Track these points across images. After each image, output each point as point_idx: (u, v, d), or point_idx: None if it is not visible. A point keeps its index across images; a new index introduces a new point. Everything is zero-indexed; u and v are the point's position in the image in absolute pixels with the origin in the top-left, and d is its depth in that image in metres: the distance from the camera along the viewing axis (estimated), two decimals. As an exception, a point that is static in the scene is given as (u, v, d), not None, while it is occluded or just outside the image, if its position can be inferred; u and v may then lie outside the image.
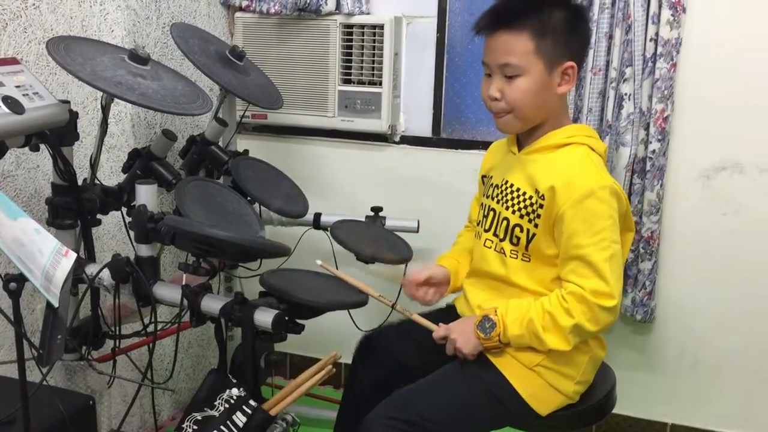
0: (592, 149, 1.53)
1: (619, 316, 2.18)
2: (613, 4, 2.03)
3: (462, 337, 1.53)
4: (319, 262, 1.71)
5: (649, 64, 2.03)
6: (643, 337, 2.30)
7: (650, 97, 2.05)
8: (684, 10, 2.01)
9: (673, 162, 2.13)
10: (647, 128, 2.07)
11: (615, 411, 1.73)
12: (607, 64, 2.08)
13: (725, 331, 2.21)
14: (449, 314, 1.71)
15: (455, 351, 1.54)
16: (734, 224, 2.13)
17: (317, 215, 2.16)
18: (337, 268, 2.06)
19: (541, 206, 1.49)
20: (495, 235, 1.59)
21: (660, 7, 1.99)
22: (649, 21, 2.01)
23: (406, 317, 1.63)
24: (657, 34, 2.01)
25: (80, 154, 1.88)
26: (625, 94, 2.06)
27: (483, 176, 1.75)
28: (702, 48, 2.06)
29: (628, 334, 2.30)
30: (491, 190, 1.64)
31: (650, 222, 2.12)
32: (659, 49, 2.01)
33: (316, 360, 1.56)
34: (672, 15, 1.99)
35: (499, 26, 1.49)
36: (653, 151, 2.07)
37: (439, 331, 1.57)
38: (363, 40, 2.32)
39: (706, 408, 2.28)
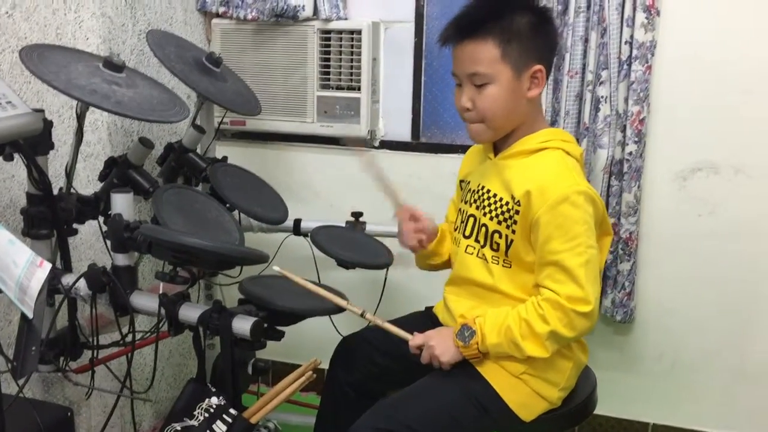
0: (568, 153, 1.53)
1: (599, 317, 2.21)
2: (588, 7, 2.05)
3: (441, 345, 1.52)
4: (276, 268, 1.61)
5: (625, 66, 2.05)
6: (623, 338, 2.32)
7: (626, 100, 2.07)
8: (658, 13, 2.03)
9: (650, 163, 2.15)
10: (624, 130, 2.09)
11: (597, 412, 1.74)
12: (584, 67, 2.09)
13: (703, 331, 2.23)
14: (427, 320, 1.71)
15: (432, 359, 1.53)
16: (710, 224, 2.16)
17: (297, 221, 2.16)
18: (318, 275, 2.08)
19: (517, 212, 1.49)
20: (476, 241, 1.59)
21: (634, 10, 2.01)
22: (624, 24, 2.03)
23: (377, 326, 1.60)
24: (632, 37, 2.03)
25: (56, 163, 1.86)
26: (602, 97, 2.07)
27: (461, 181, 1.75)
28: (676, 50, 2.08)
29: (608, 334, 2.32)
30: (468, 195, 1.64)
31: (628, 223, 2.14)
32: (634, 52, 2.03)
33: (299, 366, 1.55)
34: (646, 18, 2.01)
35: (464, 36, 1.49)
36: (630, 153, 2.09)
37: (415, 339, 1.56)
38: (341, 46, 2.32)
39: (687, 407, 2.30)
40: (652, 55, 2.05)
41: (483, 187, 1.59)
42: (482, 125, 1.53)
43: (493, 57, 1.47)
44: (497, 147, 1.62)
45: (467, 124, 1.56)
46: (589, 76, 2.08)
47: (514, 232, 1.51)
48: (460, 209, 1.68)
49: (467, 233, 1.61)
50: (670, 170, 2.17)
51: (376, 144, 2.44)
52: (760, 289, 2.16)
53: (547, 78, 1.54)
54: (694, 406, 2.30)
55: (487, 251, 1.56)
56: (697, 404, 2.29)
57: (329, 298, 1.60)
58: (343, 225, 2.16)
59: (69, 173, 1.71)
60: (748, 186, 2.11)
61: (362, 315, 1.60)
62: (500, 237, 1.53)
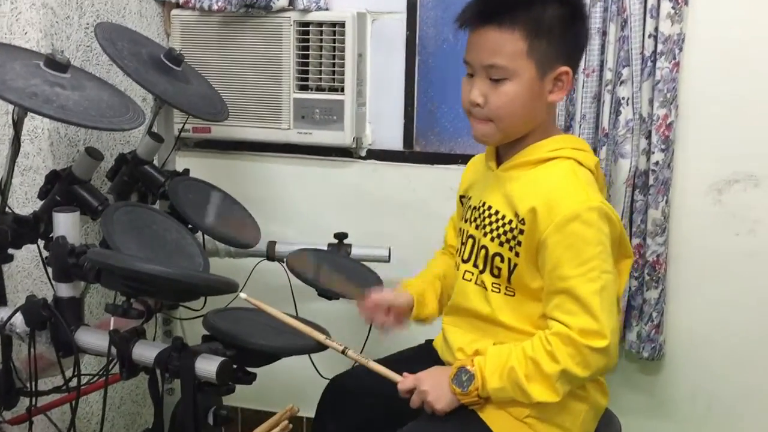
0: (580, 163, 1.53)
1: (623, 353, 2.21)
2: (606, -5, 2.08)
3: (435, 391, 1.51)
4: (243, 295, 1.60)
5: (649, 63, 2.07)
6: (651, 377, 2.32)
7: (651, 101, 2.09)
8: (686, 2, 2.05)
9: (679, 175, 2.16)
10: (649, 137, 2.11)
11: (623, 464, 1.74)
12: (602, 64, 2.11)
13: (744, 367, 2.24)
14: (427, 356, 1.70)
15: (424, 405, 1.52)
16: (750, 244, 2.17)
17: (271, 244, 2.16)
18: (295, 306, 2.07)
19: (521, 232, 1.49)
20: (475, 266, 1.59)
21: (659, -2, 2.04)
22: (648, 15, 2.05)
23: (362, 364, 1.59)
24: (656, 29, 2.05)
25: (-12, 178, 1.85)
26: (623, 98, 2.09)
27: (461, 197, 1.75)
28: (708, 44, 2.10)
29: (633, 373, 2.32)
30: (469, 212, 1.64)
31: (655, 244, 2.15)
32: (659, 47, 2.05)
33: (273, 414, 1.55)
34: (673, 8, 2.03)
35: (488, 21, 1.48)
36: (656, 163, 2.10)
37: (405, 382, 1.54)
38: (321, 40, 2.33)
39: (726, 456, 2.31)
40: (680, 50, 2.07)
41: (484, 203, 1.59)
42: (491, 125, 1.53)
43: (517, 50, 1.47)
44: (500, 156, 1.62)
45: (473, 122, 1.56)
46: (608, 75, 2.10)
47: (517, 255, 1.51)
48: (460, 229, 1.68)
49: (465, 257, 1.62)
50: (702, 182, 2.18)
51: (363, 153, 2.44)
52: (808, 319, 2.17)
53: (572, 82, 1.55)
54: (733, 455, 2.30)
55: (487, 277, 1.56)
56: (738, 453, 2.29)
57: (306, 332, 1.59)
58: (325, 248, 2.15)
59: (3, 190, 1.71)
60: (792, 200, 2.13)
61: (343, 352, 1.59)
62: (502, 261, 1.53)
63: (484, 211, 1.58)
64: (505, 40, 1.47)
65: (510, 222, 1.51)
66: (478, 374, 1.48)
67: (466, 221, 1.65)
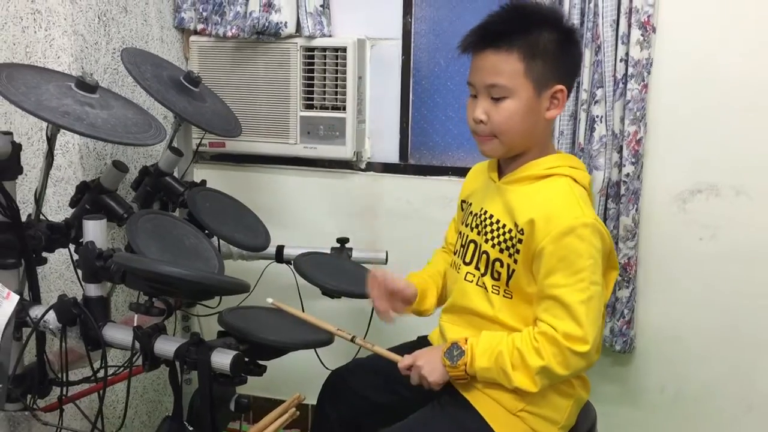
0: (576, 181, 1.53)
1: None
2: (582, 23, 2.08)
3: (428, 364, 1.52)
4: (270, 300, 1.67)
5: (620, 85, 2.08)
6: (623, 369, 2.32)
7: (622, 119, 2.09)
8: (654, 30, 2.06)
9: (648, 185, 2.17)
10: (620, 151, 2.11)
11: (597, 448, 1.74)
12: (578, 85, 2.12)
13: (707, 360, 2.24)
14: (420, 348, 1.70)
15: (420, 380, 1.52)
16: (712, 248, 2.17)
17: (280, 248, 2.15)
18: (301, 304, 2.07)
19: (520, 241, 1.49)
20: (477, 268, 1.58)
21: (629, 26, 2.04)
22: (619, 41, 2.06)
23: (368, 350, 1.61)
24: (627, 54, 2.06)
25: (24, 189, 1.85)
26: (597, 116, 2.10)
27: (462, 201, 1.74)
28: (673, 68, 2.11)
29: (607, 365, 2.32)
30: (470, 218, 1.63)
31: (626, 248, 2.15)
32: (630, 70, 2.06)
33: (282, 402, 1.54)
34: (642, 35, 2.04)
35: (488, 45, 1.49)
36: (627, 175, 2.11)
37: (404, 360, 1.55)
38: (325, 64, 2.33)
39: (691, 441, 2.30)
40: (649, 73, 2.08)
41: (485, 212, 1.58)
42: (496, 140, 1.52)
43: (516, 71, 1.47)
44: (502, 169, 1.62)
45: (478, 140, 1.56)
46: (584, 95, 2.11)
47: (516, 261, 1.50)
48: (460, 232, 1.68)
49: (467, 260, 1.61)
50: (669, 192, 2.19)
51: (362, 166, 2.45)
52: (765, 316, 2.17)
53: (567, 100, 1.54)
54: (699, 440, 2.30)
55: (488, 280, 1.56)
56: (703, 438, 2.29)
57: (321, 325, 1.62)
58: (328, 251, 2.15)
59: (38, 199, 1.71)
60: (750, 208, 2.13)
61: (352, 340, 1.61)
62: (501, 266, 1.53)
63: (485, 219, 1.57)
64: (504, 62, 1.47)
65: (510, 231, 1.51)
66: (468, 352, 1.48)
67: (466, 226, 1.64)
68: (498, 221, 1.54)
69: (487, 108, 1.50)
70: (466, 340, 1.50)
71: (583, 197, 1.51)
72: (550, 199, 1.49)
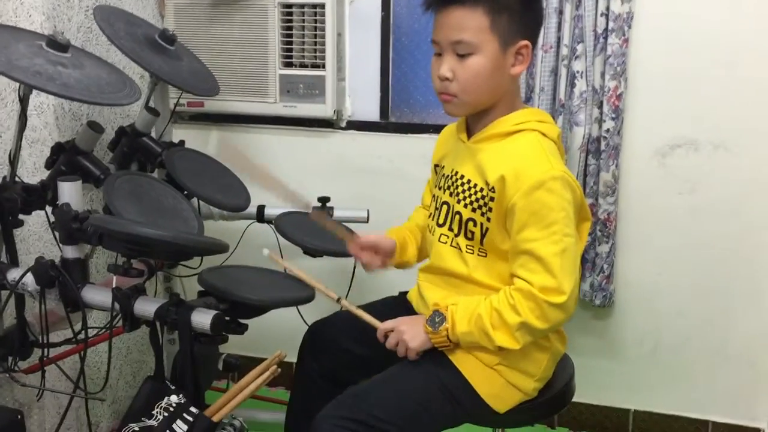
0: (544, 135, 1.52)
1: (578, 301, 2.22)
2: (562, -22, 2.05)
3: (410, 330, 1.53)
4: (266, 251, 1.68)
5: (601, 40, 2.06)
6: (602, 323, 2.35)
7: (603, 75, 2.08)
8: (635, -16, 2.04)
9: (628, 141, 2.17)
10: (601, 107, 2.11)
11: (576, 400, 1.76)
12: (558, 41, 2.10)
13: (684, 313, 2.27)
14: (401, 307, 1.71)
15: (399, 345, 1.54)
16: (691, 203, 2.19)
17: (260, 208, 2.14)
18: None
19: (492, 199, 1.49)
20: (450, 229, 1.58)
21: (610, -20, 2.02)
22: (600, -5, 2.03)
23: (351, 312, 1.63)
24: (608, 8, 2.04)
25: (-1, 150, 1.82)
26: (577, 72, 2.08)
27: (435, 165, 1.74)
28: (654, 22, 2.10)
29: (587, 320, 2.34)
30: (443, 180, 1.63)
31: (606, 203, 2.16)
32: (610, 24, 2.04)
33: (265, 360, 1.55)
34: (622, -12, 2.02)
35: (452, 1, 1.47)
36: (607, 130, 2.10)
37: (385, 324, 1.57)
38: (303, 21, 2.29)
39: (669, 392, 2.34)
40: (629, 27, 2.06)
41: (456, 173, 1.58)
42: (459, 98, 1.52)
43: (481, 26, 1.46)
44: (471, 129, 1.61)
45: (442, 97, 1.54)
46: (564, 51, 2.09)
47: (489, 219, 1.51)
48: (434, 195, 1.68)
49: (441, 221, 1.61)
50: (649, 147, 2.19)
51: (343, 124, 2.42)
52: (742, 269, 2.20)
53: (531, 56, 1.54)
54: (675, 390, 2.34)
55: (462, 240, 1.56)
56: (679, 388, 2.33)
57: (311, 284, 1.65)
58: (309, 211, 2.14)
59: (13, 161, 1.68)
60: (728, 162, 2.14)
61: (338, 301, 1.63)
62: (475, 225, 1.53)
63: (456, 179, 1.57)
64: (469, 17, 1.46)
65: (481, 190, 1.51)
66: (449, 318, 1.50)
67: (439, 188, 1.64)
68: (469, 181, 1.54)
69: (453, 65, 1.49)
70: (447, 307, 1.52)
71: (552, 150, 1.51)
72: (518, 154, 1.49)
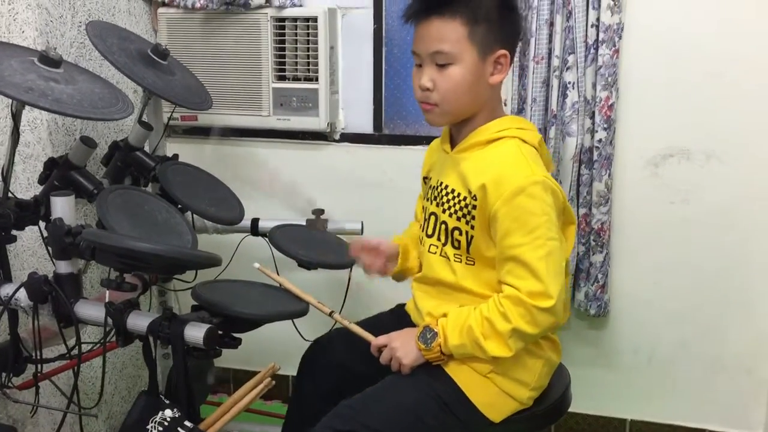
0: (524, 141, 1.54)
1: (572, 311, 2.23)
2: (552, -10, 2.06)
3: (403, 347, 1.53)
4: (256, 265, 1.69)
5: (592, 50, 2.07)
6: (597, 332, 2.35)
7: (594, 85, 2.09)
8: (624, -5, 2.05)
9: (620, 151, 2.18)
10: (593, 117, 2.11)
11: (573, 410, 1.76)
12: (550, 52, 2.10)
13: (679, 322, 2.27)
14: (397, 320, 1.71)
15: (393, 361, 1.54)
16: (684, 212, 2.19)
17: (255, 221, 2.14)
18: (278, 275, 2.07)
19: (474, 207, 1.50)
20: (438, 239, 1.59)
21: (600, -9, 2.03)
22: (590, 6, 2.04)
23: (344, 327, 1.63)
24: (598, 19, 2.05)
25: (-9, 166, 1.82)
26: (569, 83, 2.09)
27: (424, 177, 1.76)
28: (644, 32, 2.11)
29: (582, 329, 2.34)
30: (430, 192, 1.64)
31: (600, 213, 2.16)
32: (601, 35, 2.05)
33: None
34: (612, 0, 2.03)
35: (430, 13, 1.49)
36: (600, 140, 2.11)
37: (378, 339, 1.57)
38: (296, 34, 2.30)
39: (665, 401, 2.34)
40: (620, 38, 2.07)
41: (441, 183, 1.59)
42: (440, 107, 1.53)
43: (459, 36, 1.47)
44: (454, 139, 1.63)
45: (423, 107, 1.56)
46: (556, 62, 2.10)
47: (473, 228, 1.51)
48: (423, 207, 1.69)
49: (429, 232, 1.62)
50: (641, 157, 2.20)
51: (336, 137, 2.43)
52: (736, 278, 2.20)
53: (510, 65, 1.55)
54: (672, 399, 2.34)
55: (449, 249, 1.57)
56: (675, 398, 2.33)
57: (302, 296, 1.65)
58: (304, 223, 2.14)
59: (6, 176, 1.68)
60: (720, 171, 2.14)
61: (330, 315, 1.63)
62: (460, 234, 1.54)
63: (441, 190, 1.58)
64: (447, 28, 1.48)
65: (465, 199, 1.52)
66: (441, 332, 1.50)
67: (427, 200, 1.65)
68: (453, 191, 1.55)
69: (433, 75, 1.51)
70: (437, 322, 1.52)
71: (532, 156, 1.52)
72: (498, 161, 1.50)
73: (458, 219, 1.54)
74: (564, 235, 1.54)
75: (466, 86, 1.50)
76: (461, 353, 1.50)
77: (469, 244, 1.53)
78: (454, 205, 1.54)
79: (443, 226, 1.57)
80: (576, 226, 1.64)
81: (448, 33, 1.48)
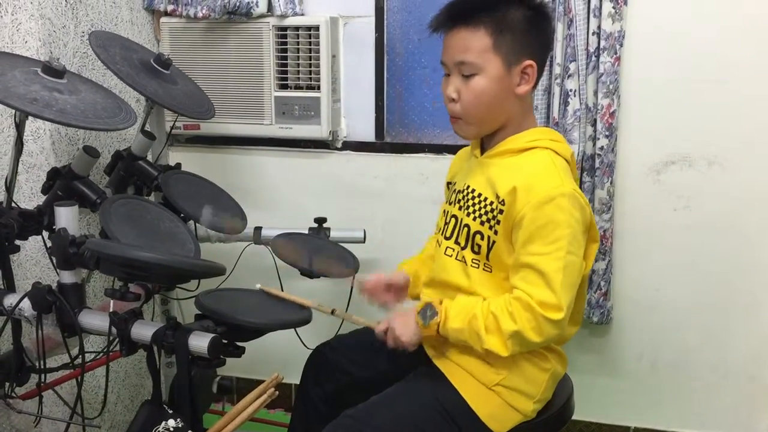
0: (557, 153, 1.53)
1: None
2: (553, -2, 2.07)
3: (401, 325, 1.53)
4: (258, 286, 1.70)
5: (593, 58, 2.07)
6: (600, 340, 2.34)
7: (596, 93, 2.10)
8: (625, 2, 2.06)
9: (622, 158, 2.18)
10: (594, 124, 2.12)
11: (576, 417, 1.76)
12: (551, 59, 2.11)
13: (683, 329, 2.27)
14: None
15: (395, 342, 1.54)
16: (686, 219, 2.19)
17: (257, 229, 2.15)
18: (281, 284, 2.07)
19: (501, 211, 1.49)
20: (456, 242, 1.59)
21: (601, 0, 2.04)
22: (591, 14, 2.05)
23: (347, 320, 1.64)
24: (599, 27, 2.06)
25: (-5, 176, 1.83)
26: (571, 90, 2.10)
27: (448, 183, 1.76)
28: (645, 40, 2.11)
29: (585, 337, 2.34)
30: (454, 196, 1.64)
31: (602, 220, 2.16)
32: (602, 43, 2.06)
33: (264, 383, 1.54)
34: (613, 7, 2.04)
35: (456, 23, 1.50)
36: (601, 148, 2.11)
37: (381, 324, 1.57)
38: (298, 43, 2.31)
39: (669, 408, 2.34)
40: (621, 45, 2.07)
41: (468, 187, 1.59)
42: (464, 119, 1.53)
43: (483, 46, 1.47)
44: (484, 146, 1.62)
45: (450, 118, 1.56)
46: (557, 69, 2.10)
47: (496, 233, 1.51)
48: (444, 210, 1.69)
49: (448, 234, 1.61)
50: (643, 164, 2.20)
51: (339, 145, 2.43)
52: (739, 284, 2.20)
53: (539, 76, 1.54)
54: (675, 406, 2.33)
55: (468, 253, 1.56)
56: (679, 405, 2.33)
57: (305, 304, 1.65)
58: (306, 232, 2.15)
59: (9, 186, 1.68)
60: (722, 178, 2.15)
61: (332, 313, 1.63)
62: (482, 238, 1.53)
63: (468, 193, 1.58)
64: (471, 38, 1.48)
65: (491, 203, 1.51)
66: (442, 313, 1.50)
67: (450, 203, 1.65)
68: (480, 194, 1.55)
69: (459, 86, 1.51)
70: (441, 302, 1.52)
71: (564, 169, 1.52)
72: (531, 169, 1.50)
73: (482, 223, 1.53)
74: (586, 253, 1.53)
75: (490, 97, 1.50)
76: (457, 338, 1.50)
77: (489, 249, 1.53)
78: (480, 209, 1.54)
79: (465, 230, 1.56)
80: (597, 245, 1.62)
81: (472, 43, 1.48)
